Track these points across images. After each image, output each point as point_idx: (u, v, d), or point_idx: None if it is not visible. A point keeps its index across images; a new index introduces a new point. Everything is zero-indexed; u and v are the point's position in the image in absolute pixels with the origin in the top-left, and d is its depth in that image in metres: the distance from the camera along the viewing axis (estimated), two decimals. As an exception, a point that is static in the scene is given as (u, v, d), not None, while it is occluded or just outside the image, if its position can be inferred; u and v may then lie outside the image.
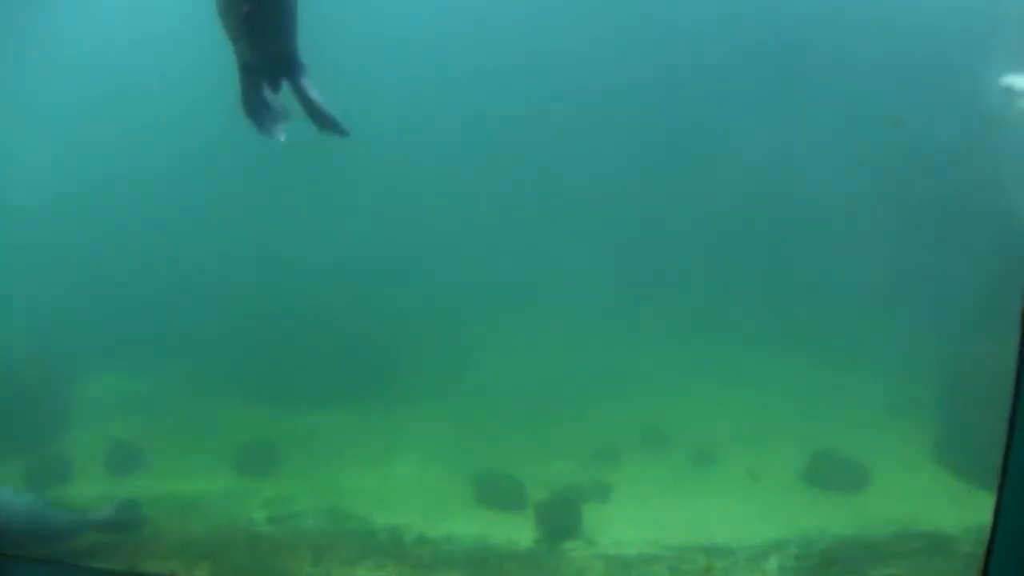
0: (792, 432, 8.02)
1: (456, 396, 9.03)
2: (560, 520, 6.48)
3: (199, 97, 8.47)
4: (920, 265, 9.39)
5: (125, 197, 10.79)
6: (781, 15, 10.87)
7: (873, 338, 9.10)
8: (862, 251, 9.96)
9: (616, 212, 11.12)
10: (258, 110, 4.87)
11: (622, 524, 6.55)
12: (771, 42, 10.78)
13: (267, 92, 4.89)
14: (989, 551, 2.41)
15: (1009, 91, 8.22)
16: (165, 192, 10.53)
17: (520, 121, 10.96)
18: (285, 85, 4.89)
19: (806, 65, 10.58)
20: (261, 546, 6.13)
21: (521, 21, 10.86)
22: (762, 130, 10.38)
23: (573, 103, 10.79)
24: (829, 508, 6.78)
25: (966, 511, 6.31)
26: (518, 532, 6.44)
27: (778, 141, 10.29)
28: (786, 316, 9.89)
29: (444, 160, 11.09)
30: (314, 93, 4.84)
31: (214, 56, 4.97)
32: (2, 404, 7.78)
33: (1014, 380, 2.22)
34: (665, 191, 11.00)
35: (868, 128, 10.04)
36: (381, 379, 9.06)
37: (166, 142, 10.99)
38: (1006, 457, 2.33)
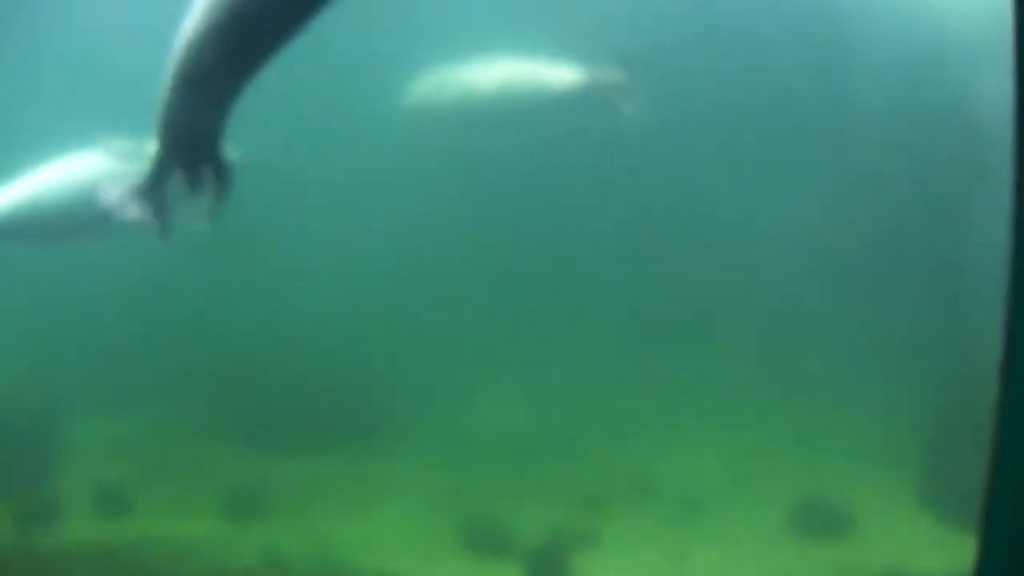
0: (778, 479, 8.06)
1: (445, 442, 9.04)
2: (548, 567, 6.49)
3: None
4: (905, 315, 9.48)
5: (111, 238, 10.74)
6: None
7: (858, 386, 9.17)
8: (848, 301, 10.05)
9: (606, 258, 11.19)
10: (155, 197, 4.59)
11: (610, 571, 6.56)
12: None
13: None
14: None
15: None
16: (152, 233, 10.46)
17: (514, 171, 11.06)
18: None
19: (797, 119, 10.79)
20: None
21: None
22: (751, 183, 10.50)
23: (569, 156, 10.92)
24: (815, 555, 6.82)
25: (950, 556, 6.36)
26: (507, 578, 6.47)
27: (769, 195, 10.41)
28: (772, 364, 9.95)
29: (436, 208, 11.15)
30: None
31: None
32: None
33: (994, 427, 2.29)
34: (654, 241, 11.08)
35: (865, 181, 10.20)
36: (371, 424, 9.07)
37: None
38: (987, 502, 2.38)
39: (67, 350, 10.20)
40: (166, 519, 7.27)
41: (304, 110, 8.86)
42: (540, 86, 9.12)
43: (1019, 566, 2.34)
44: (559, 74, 9.12)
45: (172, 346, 10.25)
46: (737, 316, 10.53)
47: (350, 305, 10.54)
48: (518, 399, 9.97)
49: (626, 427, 9.26)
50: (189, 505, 7.56)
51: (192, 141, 4.39)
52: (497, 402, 9.97)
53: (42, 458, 8.09)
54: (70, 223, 7.84)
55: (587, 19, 9.79)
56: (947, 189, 9.44)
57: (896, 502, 7.58)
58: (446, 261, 11.20)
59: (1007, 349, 2.27)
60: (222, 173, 4.50)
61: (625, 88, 8.99)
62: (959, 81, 9.17)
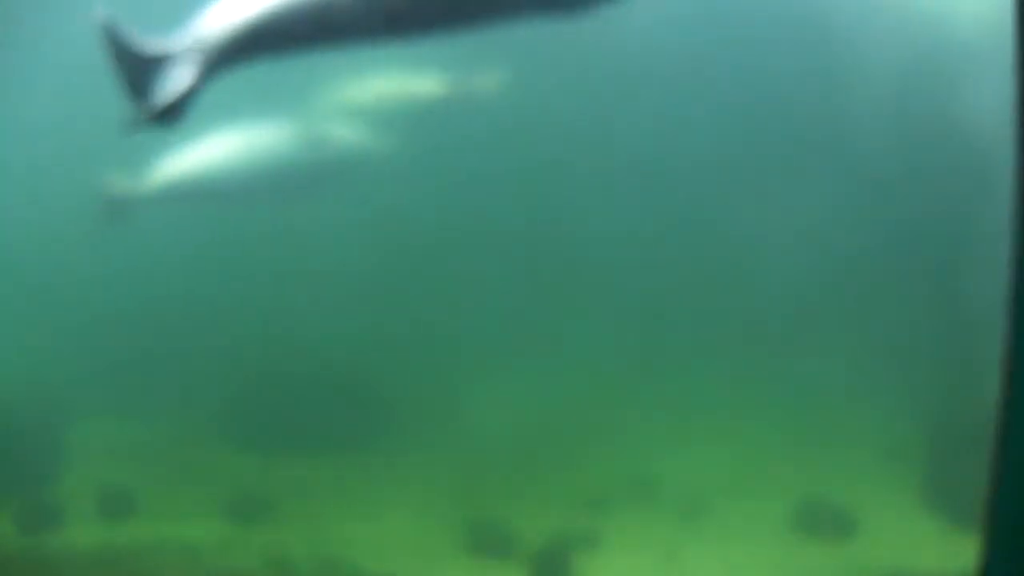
0: (780, 478, 8.05)
1: (447, 444, 9.05)
2: (552, 569, 6.49)
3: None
4: (907, 314, 9.49)
5: (114, 240, 10.78)
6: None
7: (861, 385, 9.17)
8: (851, 301, 10.05)
9: (607, 259, 11.20)
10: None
11: (613, 572, 6.56)
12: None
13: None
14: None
15: None
16: (154, 235, 10.52)
17: (515, 172, 11.08)
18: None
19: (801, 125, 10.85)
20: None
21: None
22: (755, 185, 10.53)
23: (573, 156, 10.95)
24: (818, 555, 6.82)
25: (954, 555, 6.35)
26: (511, 580, 6.47)
27: (773, 197, 10.43)
28: (774, 364, 9.95)
29: (436, 206, 11.17)
30: None
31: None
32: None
33: (996, 424, 2.30)
34: (656, 243, 11.10)
35: (869, 183, 10.23)
36: (373, 427, 9.07)
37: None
38: (991, 501, 2.39)
39: (71, 353, 10.21)
40: (170, 522, 7.27)
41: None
42: (409, 95, 10.27)
43: (1022, 565, 2.35)
44: (423, 83, 10.24)
45: (175, 349, 10.26)
46: (740, 316, 10.54)
47: (351, 308, 10.55)
48: (519, 400, 9.97)
49: (627, 427, 9.26)
50: (193, 508, 7.56)
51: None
52: (499, 403, 9.97)
53: (46, 461, 8.09)
54: (247, 188, 8.92)
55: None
56: (949, 190, 9.45)
57: (900, 501, 7.57)
58: (446, 262, 11.21)
59: (1009, 348, 2.28)
60: None
61: (485, 88, 10.12)
62: (961, 84, 9.19)
